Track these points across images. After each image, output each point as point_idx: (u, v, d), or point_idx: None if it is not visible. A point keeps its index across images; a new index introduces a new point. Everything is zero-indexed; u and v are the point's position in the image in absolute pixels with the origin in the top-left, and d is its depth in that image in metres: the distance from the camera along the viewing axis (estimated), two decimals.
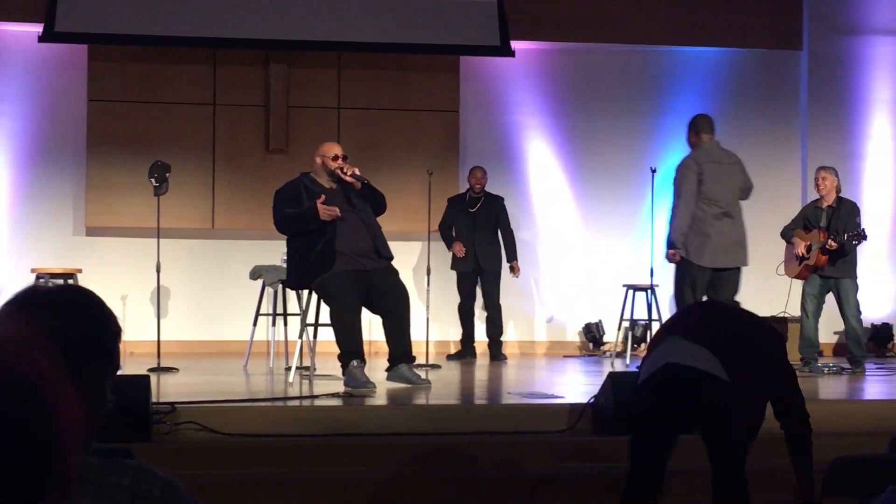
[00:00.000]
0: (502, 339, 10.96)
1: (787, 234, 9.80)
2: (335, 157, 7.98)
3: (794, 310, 11.09)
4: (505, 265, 10.90)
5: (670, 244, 8.57)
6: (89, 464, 1.85)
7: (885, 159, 11.83)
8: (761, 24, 11.96)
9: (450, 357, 10.82)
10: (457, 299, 11.47)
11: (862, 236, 9.24)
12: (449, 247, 10.82)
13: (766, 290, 11.89)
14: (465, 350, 10.89)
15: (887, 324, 11.45)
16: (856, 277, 9.53)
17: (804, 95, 11.99)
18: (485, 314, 10.93)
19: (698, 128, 8.68)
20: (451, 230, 10.86)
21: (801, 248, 9.47)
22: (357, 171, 7.96)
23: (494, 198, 10.94)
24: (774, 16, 11.95)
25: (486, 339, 10.90)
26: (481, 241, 10.76)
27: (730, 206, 8.49)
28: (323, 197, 7.74)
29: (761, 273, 11.99)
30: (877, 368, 9.57)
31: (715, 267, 8.47)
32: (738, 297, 11.84)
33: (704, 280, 8.47)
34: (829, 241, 9.22)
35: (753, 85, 12.13)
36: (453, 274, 11.02)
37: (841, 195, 9.64)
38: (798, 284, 9.86)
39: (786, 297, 10.76)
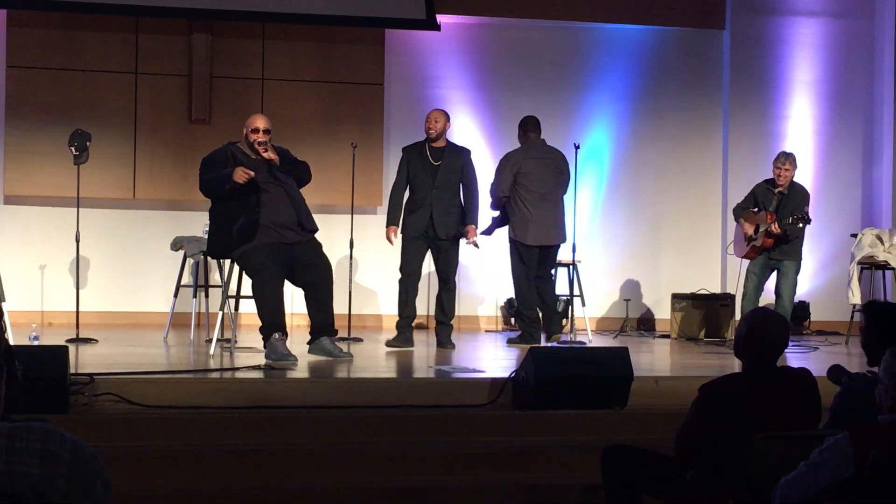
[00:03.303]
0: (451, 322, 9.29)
1: (737, 213, 9.97)
2: (255, 130, 7.92)
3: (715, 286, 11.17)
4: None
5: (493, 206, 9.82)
6: None
7: (803, 140, 11.97)
8: (685, 3, 12.05)
9: (388, 343, 9.11)
10: (382, 272, 11.40)
11: (806, 220, 9.44)
12: (391, 219, 9.23)
13: (691, 265, 12.04)
14: (404, 333, 9.11)
15: (804, 302, 11.61)
16: (800, 260, 9.75)
17: (726, 75, 12.10)
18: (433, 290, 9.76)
19: (526, 128, 9.71)
20: (405, 191, 9.27)
21: (749, 230, 9.68)
22: (274, 158, 7.84)
23: (459, 149, 9.38)
24: None
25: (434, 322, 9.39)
26: (440, 199, 9.13)
27: (548, 194, 9.57)
28: (243, 168, 7.70)
29: (684, 248, 12.14)
30: (794, 346, 9.69)
31: (539, 245, 9.58)
32: (669, 271, 11.99)
33: (533, 255, 9.59)
34: (773, 224, 9.43)
35: (677, 63, 12.22)
36: (378, 247, 10.96)
37: (794, 180, 9.79)
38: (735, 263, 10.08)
39: (703, 271, 10.84)
